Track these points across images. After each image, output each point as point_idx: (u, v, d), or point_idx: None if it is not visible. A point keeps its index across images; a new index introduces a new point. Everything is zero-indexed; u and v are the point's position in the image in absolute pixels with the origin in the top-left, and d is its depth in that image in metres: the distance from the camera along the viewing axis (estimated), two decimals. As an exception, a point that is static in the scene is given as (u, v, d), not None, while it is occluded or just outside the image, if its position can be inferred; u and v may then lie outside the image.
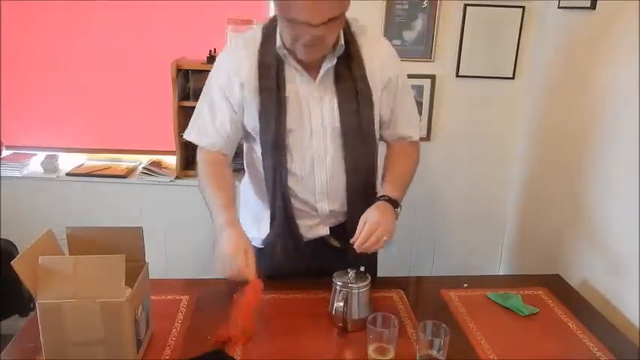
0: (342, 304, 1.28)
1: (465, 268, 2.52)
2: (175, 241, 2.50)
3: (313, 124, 1.38)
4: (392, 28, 2.27)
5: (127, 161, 2.62)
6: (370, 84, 1.39)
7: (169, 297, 1.43)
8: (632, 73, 1.60)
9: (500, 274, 2.62)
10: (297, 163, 1.40)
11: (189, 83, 2.42)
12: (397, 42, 2.28)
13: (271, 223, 1.46)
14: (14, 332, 1.27)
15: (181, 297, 1.43)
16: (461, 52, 2.33)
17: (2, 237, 2.11)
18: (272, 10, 2.38)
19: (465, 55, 2.34)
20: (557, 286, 1.60)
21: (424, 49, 2.32)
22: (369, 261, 1.38)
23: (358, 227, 1.30)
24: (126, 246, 1.15)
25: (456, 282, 1.58)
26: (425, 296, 1.57)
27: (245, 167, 1.60)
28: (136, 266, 1.17)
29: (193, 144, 2.46)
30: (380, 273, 1.61)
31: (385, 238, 1.29)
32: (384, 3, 2.25)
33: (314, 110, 1.38)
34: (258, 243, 1.50)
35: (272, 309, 1.41)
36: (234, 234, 1.28)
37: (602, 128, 1.77)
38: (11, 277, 1.02)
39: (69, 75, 2.52)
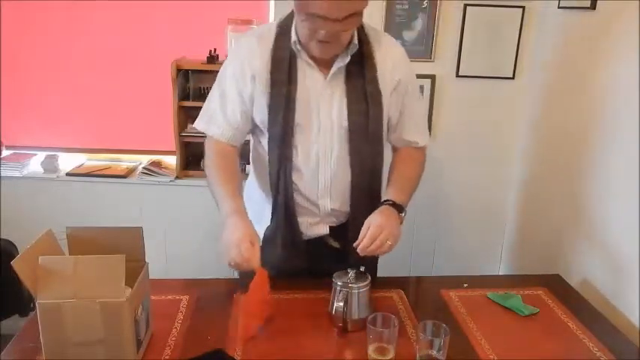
0: (342, 304, 1.28)
1: (465, 268, 2.52)
2: (175, 241, 2.50)
3: (321, 121, 1.39)
4: (392, 28, 2.27)
5: (127, 161, 2.62)
6: (380, 86, 1.39)
7: (169, 297, 1.43)
8: (632, 73, 1.60)
9: (500, 274, 2.62)
10: (302, 158, 1.40)
11: (189, 83, 2.42)
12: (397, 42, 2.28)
13: (272, 218, 1.46)
14: (14, 332, 1.27)
15: (181, 297, 1.43)
16: (461, 52, 2.33)
17: (2, 237, 2.10)
18: (272, 10, 2.40)
19: (465, 55, 2.34)
20: (557, 286, 1.60)
21: (424, 49, 2.32)
22: (369, 262, 1.37)
23: (362, 231, 1.30)
24: (126, 246, 1.15)
25: (456, 282, 1.58)
26: (425, 296, 1.57)
27: (250, 162, 1.60)
28: (136, 266, 1.17)
29: (193, 144, 2.50)
30: (380, 273, 1.61)
31: (389, 242, 1.29)
32: (384, 3, 2.26)
33: (323, 107, 1.38)
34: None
35: (271, 310, 1.41)
36: (240, 223, 1.28)
37: (602, 128, 1.77)
38: (11, 277, 1.02)
39: (69, 75, 2.52)
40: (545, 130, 2.25)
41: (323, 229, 1.49)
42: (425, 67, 2.34)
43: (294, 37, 1.34)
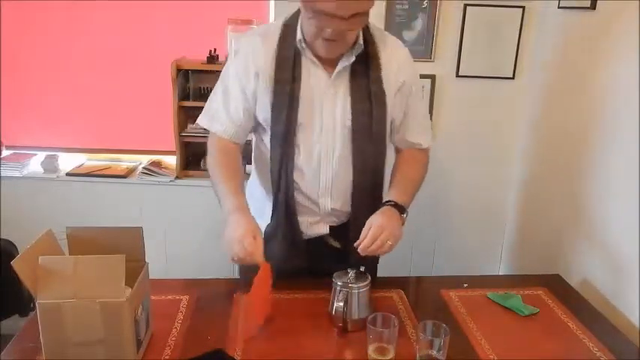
0: (342, 304, 1.28)
1: (465, 268, 2.52)
2: (175, 241, 2.50)
3: (324, 120, 1.39)
4: (392, 28, 2.27)
5: (127, 161, 2.62)
6: (385, 86, 1.40)
7: (169, 297, 1.43)
8: (632, 73, 1.60)
9: (500, 274, 2.62)
10: (304, 156, 1.40)
11: (189, 83, 2.42)
12: (397, 42, 2.28)
13: (272, 216, 1.46)
14: (14, 332, 1.27)
15: (181, 297, 1.43)
16: (461, 52, 2.33)
17: (2, 237, 2.10)
18: (272, 10, 2.40)
19: (465, 55, 2.34)
20: (557, 286, 1.60)
21: (424, 49, 2.32)
22: (369, 262, 1.37)
23: (363, 231, 1.30)
24: (126, 246, 1.15)
25: (456, 282, 1.58)
26: (425, 296, 1.57)
27: (252, 159, 1.60)
28: (136, 266, 1.17)
29: (193, 144, 2.50)
30: (380, 273, 1.61)
31: (390, 242, 1.29)
32: (384, 3, 2.25)
33: (326, 106, 1.38)
34: None
35: (272, 309, 1.41)
36: (242, 218, 1.28)
37: (602, 128, 1.77)
38: (11, 277, 1.02)
39: (69, 75, 2.52)
40: (545, 130, 2.25)
41: (323, 229, 1.49)
42: (425, 67, 2.34)
43: (299, 36, 1.34)
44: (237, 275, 1.74)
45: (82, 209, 2.43)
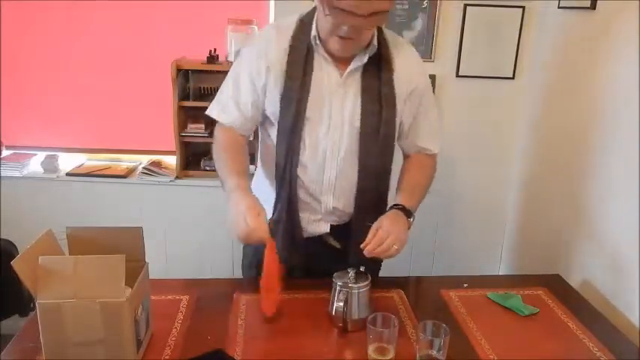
0: (342, 304, 1.28)
1: (465, 268, 2.52)
2: (175, 241, 2.50)
3: (332, 118, 1.38)
4: (392, 28, 2.22)
5: (127, 161, 2.62)
6: (396, 90, 1.40)
7: (169, 297, 1.43)
8: (632, 73, 1.60)
9: (500, 274, 2.62)
10: (309, 152, 1.40)
11: (189, 83, 2.42)
12: (397, 42, 2.29)
13: (274, 210, 1.45)
14: (14, 332, 1.27)
15: (181, 297, 1.43)
16: (461, 52, 2.33)
17: (2, 237, 2.10)
18: (272, 10, 2.40)
19: (465, 55, 2.34)
20: (557, 286, 1.60)
21: (424, 49, 2.32)
22: (372, 263, 1.38)
23: (370, 233, 1.29)
24: (126, 246, 1.15)
25: (456, 282, 1.58)
26: (425, 296, 1.57)
27: (258, 153, 1.60)
28: (136, 266, 1.17)
29: (193, 144, 2.50)
30: (380, 273, 1.61)
31: (395, 247, 1.29)
32: (384, 3, 2.25)
33: (335, 104, 1.38)
34: None
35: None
36: (245, 196, 1.27)
37: (602, 128, 1.77)
38: (11, 277, 1.02)
39: (69, 75, 2.52)
40: (545, 130, 2.25)
41: (324, 227, 1.49)
42: (425, 67, 2.33)
43: (314, 32, 1.35)
44: (237, 275, 1.74)
45: (82, 209, 2.43)
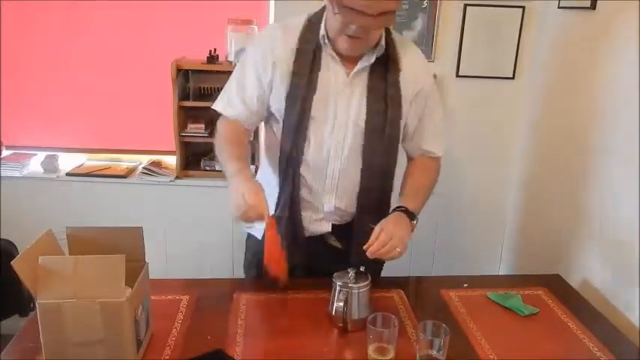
0: (342, 304, 1.28)
1: (465, 268, 2.52)
2: (175, 241, 2.50)
3: (337, 117, 1.39)
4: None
5: (127, 161, 2.62)
6: (402, 91, 1.40)
7: (169, 297, 1.43)
8: (632, 73, 1.60)
9: (500, 274, 2.62)
10: (313, 150, 1.40)
11: (189, 83, 2.42)
12: (397, 42, 2.29)
13: (276, 208, 1.45)
14: (14, 332, 1.27)
15: (181, 297, 1.43)
16: (461, 52, 2.33)
17: (2, 237, 2.10)
18: (272, 10, 2.40)
19: (465, 55, 2.34)
20: (557, 286, 1.60)
21: (424, 49, 2.31)
22: (374, 263, 1.38)
23: (373, 234, 1.30)
24: (126, 246, 1.15)
25: (456, 282, 1.58)
26: (425, 296, 1.57)
27: (264, 150, 1.60)
28: (136, 266, 1.17)
29: (193, 144, 2.50)
30: (381, 273, 1.61)
31: (398, 249, 1.29)
32: (384, 3, 2.25)
33: (341, 103, 1.38)
34: (259, 232, 1.51)
35: (272, 309, 1.41)
36: (245, 179, 1.28)
37: (602, 128, 1.77)
38: (11, 277, 1.02)
39: (69, 75, 2.52)
40: (545, 130, 2.25)
41: (325, 227, 1.49)
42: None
43: (322, 31, 1.35)
44: (237, 275, 1.74)
45: (82, 209, 2.43)
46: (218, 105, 1.47)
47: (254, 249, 1.59)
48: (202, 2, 2.42)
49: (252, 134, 1.55)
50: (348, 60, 1.37)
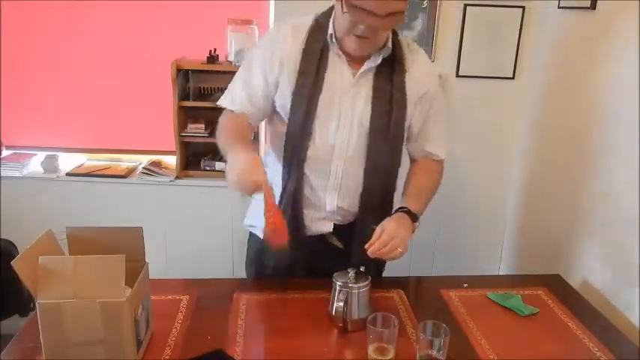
0: (342, 304, 1.28)
1: (465, 268, 2.52)
2: (175, 241, 2.50)
3: (342, 117, 1.39)
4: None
5: (127, 161, 2.62)
6: (407, 92, 1.40)
7: (169, 297, 1.43)
8: (632, 73, 1.60)
9: (500, 274, 2.61)
10: (317, 150, 1.40)
11: (189, 83, 2.42)
12: (397, 42, 2.29)
13: (279, 204, 1.44)
14: (14, 332, 1.27)
15: (181, 297, 1.43)
16: (461, 52, 2.33)
17: (2, 237, 2.10)
18: (272, 10, 2.40)
19: (465, 55, 2.34)
20: (557, 286, 1.60)
21: (424, 49, 2.28)
22: (376, 263, 1.37)
23: (374, 234, 1.30)
24: (126, 246, 1.15)
25: (456, 282, 1.58)
26: (425, 296, 1.57)
27: (267, 150, 1.60)
28: (136, 266, 1.17)
29: (193, 144, 2.50)
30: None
31: (400, 249, 1.29)
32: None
33: (346, 104, 1.38)
34: (261, 231, 1.51)
35: (272, 309, 1.41)
36: (244, 151, 1.25)
37: (602, 128, 1.77)
38: (11, 277, 1.02)
39: (69, 75, 2.52)
40: (545, 130, 2.25)
41: (327, 226, 1.49)
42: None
43: (330, 31, 1.35)
44: (237, 275, 1.74)
45: (82, 209, 2.43)
46: (223, 101, 1.47)
47: (255, 247, 1.59)
48: (202, 2, 2.42)
49: (253, 135, 1.55)
50: (355, 60, 1.38)
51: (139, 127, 2.62)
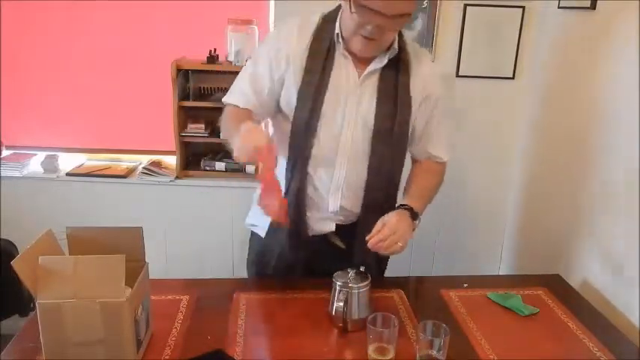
0: (342, 304, 1.28)
1: (465, 268, 2.52)
2: (175, 241, 2.50)
3: (347, 117, 1.39)
4: (392, 28, 2.27)
5: (127, 161, 2.62)
6: (411, 94, 1.40)
7: (169, 297, 1.43)
8: (632, 73, 1.60)
9: (500, 274, 2.62)
10: (321, 149, 1.40)
11: (189, 83, 2.42)
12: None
13: None
14: (14, 332, 1.27)
15: (181, 297, 1.43)
16: (461, 52, 2.33)
17: (2, 237, 2.10)
18: (272, 10, 2.40)
19: (465, 55, 2.34)
20: (557, 286, 1.60)
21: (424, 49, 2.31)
22: (377, 263, 1.37)
23: (375, 227, 1.30)
24: (126, 246, 1.15)
25: (456, 282, 1.58)
26: (425, 296, 1.57)
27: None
28: (136, 266, 1.17)
29: (193, 144, 2.50)
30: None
31: (400, 244, 1.29)
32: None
33: (351, 104, 1.39)
34: (263, 230, 1.51)
35: (272, 309, 1.41)
36: (247, 124, 1.25)
37: (602, 128, 1.77)
38: (11, 277, 1.02)
39: (69, 75, 2.52)
40: (545, 130, 2.25)
41: (329, 226, 1.49)
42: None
43: (337, 30, 1.35)
44: (237, 275, 1.74)
45: (82, 209, 2.43)
46: (229, 98, 1.47)
47: (257, 247, 1.59)
48: (202, 2, 2.42)
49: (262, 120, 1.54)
50: (360, 60, 1.38)
51: (139, 127, 2.62)
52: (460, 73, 2.36)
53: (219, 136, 2.36)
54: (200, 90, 2.47)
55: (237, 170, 2.45)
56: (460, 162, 2.48)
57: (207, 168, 2.46)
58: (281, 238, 1.46)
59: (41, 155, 2.54)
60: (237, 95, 1.45)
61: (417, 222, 1.39)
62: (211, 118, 2.41)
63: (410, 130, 1.45)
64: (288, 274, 1.51)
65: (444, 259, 2.62)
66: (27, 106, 2.55)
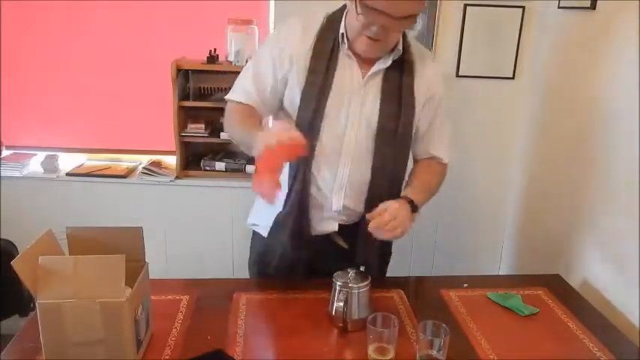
0: (342, 304, 1.28)
1: (465, 268, 2.52)
2: (175, 241, 2.50)
3: (350, 117, 1.39)
4: (392, 28, 2.27)
5: (127, 161, 2.62)
6: (415, 95, 1.41)
7: (169, 297, 1.43)
8: (632, 73, 1.60)
9: (500, 274, 2.61)
10: (324, 149, 1.40)
11: (189, 83, 2.42)
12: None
13: (285, 204, 1.44)
14: (14, 332, 1.27)
15: (181, 297, 1.43)
16: (461, 52, 2.33)
17: (2, 237, 2.10)
18: (272, 10, 2.40)
19: (465, 55, 2.34)
20: (557, 286, 1.60)
21: (424, 49, 2.31)
22: (379, 263, 1.37)
23: (376, 210, 1.31)
24: (126, 246, 1.15)
25: (456, 282, 1.58)
26: (425, 296, 1.57)
27: None
28: (136, 266, 1.17)
29: (193, 144, 2.50)
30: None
31: (400, 229, 1.29)
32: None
33: (355, 104, 1.39)
34: (265, 229, 1.51)
35: (272, 309, 1.41)
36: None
37: (602, 128, 1.77)
38: (11, 277, 1.02)
39: (69, 75, 2.52)
40: (545, 130, 2.24)
41: (332, 226, 1.48)
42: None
43: (342, 30, 1.36)
44: (237, 275, 1.74)
45: (82, 209, 2.43)
46: (232, 95, 1.46)
47: (259, 247, 1.59)
48: (202, 2, 2.42)
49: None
50: (364, 61, 1.38)
51: (139, 127, 2.62)
52: (460, 73, 2.36)
53: (219, 136, 2.39)
54: (200, 90, 2.47)
55: (237, 170, 2.45)
56: (460, 162, 2.48)
57: (207, 168, 2.46)
58: (283, 238, 1.46)
59: (41, 155, 2.54)
60: (239, 93, 1.45)
61: (417, 214, 1.39)
62: (211, 118, 2.42)
63: (413, 130, 1.45)
64: (290, 274, 1.51)
65: (444, 259, 2.62)
66: (27, 106, 2.55)
